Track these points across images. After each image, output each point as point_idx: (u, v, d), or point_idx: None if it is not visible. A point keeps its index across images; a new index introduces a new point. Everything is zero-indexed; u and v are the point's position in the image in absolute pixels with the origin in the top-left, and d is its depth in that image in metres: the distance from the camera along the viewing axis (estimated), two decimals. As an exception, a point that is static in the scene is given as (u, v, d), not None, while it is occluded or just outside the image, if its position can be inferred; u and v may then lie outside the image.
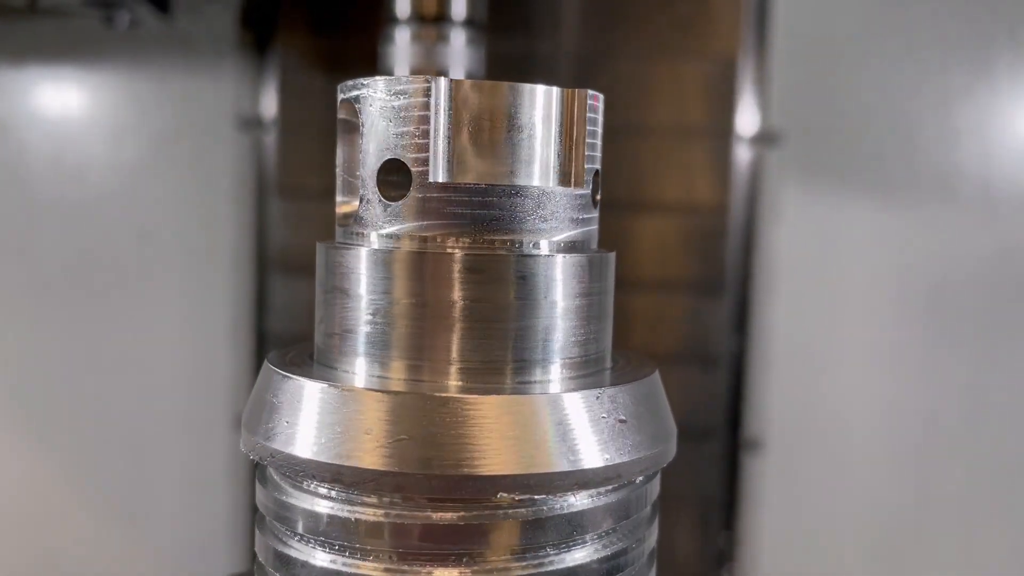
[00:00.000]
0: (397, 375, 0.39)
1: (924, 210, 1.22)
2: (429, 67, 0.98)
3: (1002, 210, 1.20)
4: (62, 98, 1.31)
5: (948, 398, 1.24)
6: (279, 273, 1.30)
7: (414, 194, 0.39)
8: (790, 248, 1.24)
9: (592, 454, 0.37)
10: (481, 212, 0.39)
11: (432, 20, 0.98)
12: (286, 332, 1.29)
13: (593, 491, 0.39)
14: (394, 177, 0.39)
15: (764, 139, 1.21)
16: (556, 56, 1.22)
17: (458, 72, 0.99)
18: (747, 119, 1.21)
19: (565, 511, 0.38)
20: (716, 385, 1.25)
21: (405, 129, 0.39)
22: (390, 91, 0.39)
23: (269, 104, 1.28)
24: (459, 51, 0.99)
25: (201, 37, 1.29)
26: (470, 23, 1.00)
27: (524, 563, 0.37)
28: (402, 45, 0.99)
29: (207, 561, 1.35)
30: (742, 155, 1.21)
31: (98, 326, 1.33)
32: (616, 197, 1.23)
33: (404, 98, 0.39)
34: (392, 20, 1.00)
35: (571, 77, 1.22)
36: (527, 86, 0.39)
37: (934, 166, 1.21)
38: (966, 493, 1.25)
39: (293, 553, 0.39)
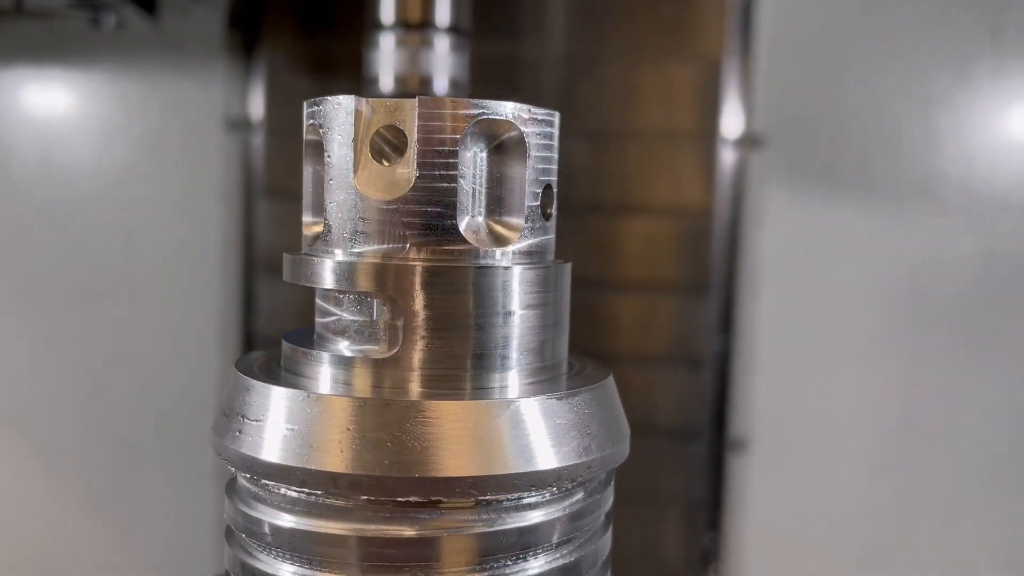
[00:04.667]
0: (361, 381, 0.40)
1: (906, 212, 1.23)
2: (413, 72, 0.98)
3: (983, 213, 1.21)
4: (49, 100, 1.31)
5: (931, 398, 1.25)
6: (266, 275, 1.30)
7: (362, 205, 0.40)
8: (774, 250, 1.25)
9: (547, 456, 0.39)
10: (440, 223, 0.40)
11: (416, 26, 0.98)
12: (274, 334, 1.29)
13: (548, 503, 0.40)
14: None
15: (749, 142, 1.22)
16: (542, 61, 1.23)
17: (442, 77, 0.99)
18: (732, 122, 1.21)
19: (522, 523, 0.39)
20: (702, 386, 1.26)
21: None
22: (349, 109, 0.40)
23: (256, 106, 1.28)
24: (443, 56, 0.99)
25: (188, 39, 1.29)
26: (455, 29, 1.00)
27: (483, 573, 0.38)
28: (386, 50, 0.99)
29: (196, 561, 1.35)
30: (727, 158, 1.22)
31: (85, 328, 1.34)
32: (603, 200, 1.24)
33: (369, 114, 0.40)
34: (377, 25, 1.00)
35: (557, 82, 1.23)
36: (470, 103, 0.40)
37: (916, 169, 1.22)
38: (949, 493, 1.26)
39: (260, 565, 0.40)
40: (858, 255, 1.24)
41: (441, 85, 0.99)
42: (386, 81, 0.99)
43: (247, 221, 1.31)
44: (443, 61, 0.99)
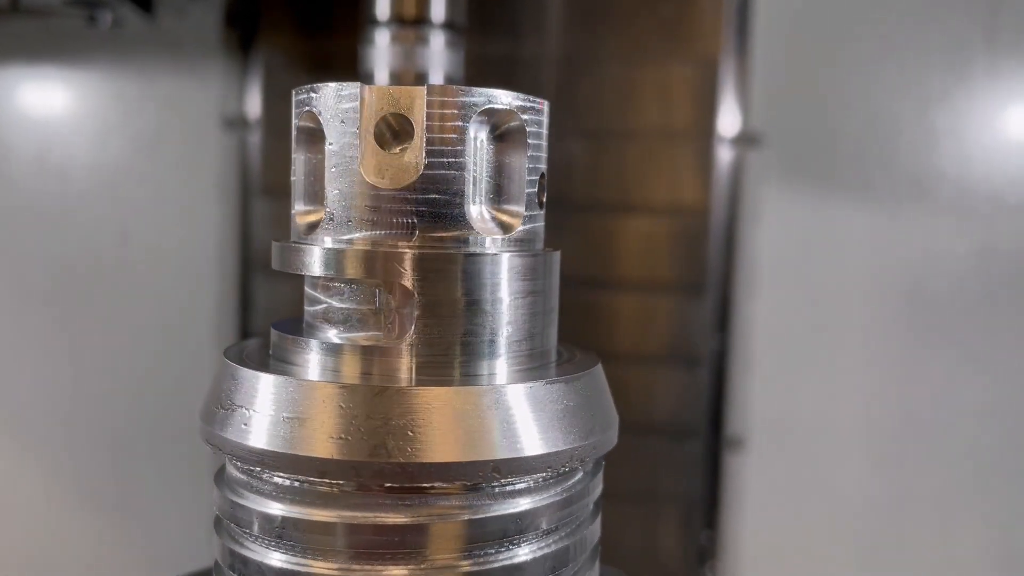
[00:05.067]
0: (350, 368, 0.40)
1: (903, 211, 1.23)
2: (408, 68, 0.98)
3: (979, 211, 1.21)
4: (45, 98, 1.31)
5: (927, 397, 1.25)
6: (263, 273, 1.30)
7: (367, 192, 0.40)
8: (771, 248, 1.25)
9: (534, 442, 0.39)
10: (442, 211, 0.40)
11: (412, 22, 0.98)
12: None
13: (537, 489, 0.40)
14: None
15: (746, 140, 1.22)
16: (540, 60, 1.23)
17: (437, 74, 0.99)
18: (729, 121, 1.22)
19: (511, 509, 0.39)
20: (698, 384, 1.26)
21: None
22: (354, 96, 0.40)
23: (254, 104, 1.28)
24: (438, 53, 0.99)
25: (185, 37, 1.29)
26: (450, 26, 1.00)
27: (471, 560, 0.38)
28: (382, 47, 0.99)
29: (193, 558, 1.35)
30: (724, 156, 1.22)
31: (82, 326, 1.33)
32: (601, 199, 1.24)
33: (351, 103, 0.40)
34: (372, 22, 1.00)
35: (555, 81, 1.23)
36: (474, 92, 0.40)
37: (912, 168, 1.22)
38: (945, 491, 1.26)
39: (249, 554, 0.40)
40: (855, 254, 1.24)
41: (436, 81, 0.99)
42: (381, 77, 0.99)
43: (244, 219, 1.31)
44: (438, 57, 0.99)
